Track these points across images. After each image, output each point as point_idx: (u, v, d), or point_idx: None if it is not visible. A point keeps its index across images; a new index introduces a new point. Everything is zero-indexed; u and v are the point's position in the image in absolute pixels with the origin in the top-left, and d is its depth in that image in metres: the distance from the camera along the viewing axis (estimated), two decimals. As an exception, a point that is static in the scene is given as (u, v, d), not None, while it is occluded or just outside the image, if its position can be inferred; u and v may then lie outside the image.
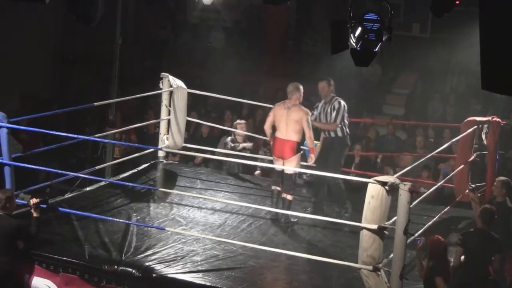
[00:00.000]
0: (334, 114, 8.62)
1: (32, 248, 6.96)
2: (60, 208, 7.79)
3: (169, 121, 9.62)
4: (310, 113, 8.41)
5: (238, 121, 10.95)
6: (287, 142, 8.27)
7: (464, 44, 13.37)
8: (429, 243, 6.62)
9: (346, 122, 8.71)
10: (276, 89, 15.03)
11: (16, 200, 7.26)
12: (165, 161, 10.12)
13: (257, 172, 10.85)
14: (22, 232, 6.79)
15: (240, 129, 10.61)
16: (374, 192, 6.26)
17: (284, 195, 8.42)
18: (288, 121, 8.29)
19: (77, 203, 8.34)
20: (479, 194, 8.65)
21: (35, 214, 6.86)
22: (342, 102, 8.66)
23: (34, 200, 6.87)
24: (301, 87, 8.45)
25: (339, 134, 8.70)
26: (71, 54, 15.19)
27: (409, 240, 6.45)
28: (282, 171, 8.41)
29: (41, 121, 9.74)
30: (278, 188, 8.55)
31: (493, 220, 7.47)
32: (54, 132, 8.02)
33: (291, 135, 8.27)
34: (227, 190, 9.53)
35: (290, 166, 8.26)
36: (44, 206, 7.14)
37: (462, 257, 7.24)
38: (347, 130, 8.75)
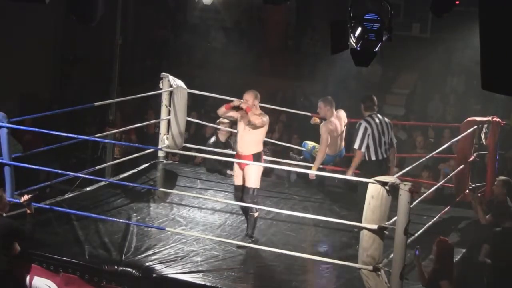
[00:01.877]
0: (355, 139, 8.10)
1: (27, 246, 6.94)
2: (60, 208, 7.79)
3: (169, 121, 9.61)
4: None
5: (221, 119, 10.62)
6: None
7: (464, 44, 13.39)
8: (436, 245, 6.57)
9: (370, 144, 8.07)
10: (276, 89, 15.08)
11: (14, 200, 7.27)
12: (165, 161, 10.11)
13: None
14: (16, 231, 6.74)
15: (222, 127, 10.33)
16: (374, 192, 6.26)
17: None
18: None
19: (77, 203, 8.34)
20: (479, 194, 8.66)
21: (29, 211, 6.83)
22: (363, 124, 8.10)
23: (25, 197, 6.84)
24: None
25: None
26: (71, 54, 15.19)
27: (409, 240, 6.45)
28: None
29: (41, 121, 9.74)
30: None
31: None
32: (54, 132, 8.01)
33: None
34: (227, 190, 9.51)
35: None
36: (39, 204, 7.10)
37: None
38: (372, 155, 8.10)
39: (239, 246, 7.47)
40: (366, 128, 8.07)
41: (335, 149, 8.61)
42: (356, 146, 8.09)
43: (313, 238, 8.13)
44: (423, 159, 8.27)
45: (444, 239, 6.65)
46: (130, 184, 8.94)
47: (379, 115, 8.25)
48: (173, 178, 9.61)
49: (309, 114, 10.25)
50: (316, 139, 8.90)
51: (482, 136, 9.29)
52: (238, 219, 8.44)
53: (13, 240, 6.80)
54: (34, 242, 7.00)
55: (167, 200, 8.79)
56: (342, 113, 8.84)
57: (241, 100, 7.68)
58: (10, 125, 7.51)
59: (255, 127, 7.61)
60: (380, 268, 6.30)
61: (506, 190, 8.36)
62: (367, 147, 8.06)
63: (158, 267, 6.95)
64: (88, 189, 8.89)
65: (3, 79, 13.01)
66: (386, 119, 8.29)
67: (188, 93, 9.81)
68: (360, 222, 6.31)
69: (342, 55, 7.41)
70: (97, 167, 9.43)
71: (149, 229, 7.78)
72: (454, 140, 9.44)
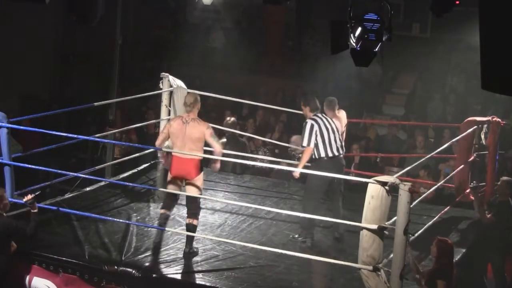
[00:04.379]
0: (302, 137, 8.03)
1: (29, 245, 6.94)
2: (60, 208, 7.79)
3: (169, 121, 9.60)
4: (210, 126, 7.47)
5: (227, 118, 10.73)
6: (190, 160, 7.33)
7: (464, 44, 13.38)
8: (435, 245, 6.56)
9: (319, 142, 7.93)
10: (276, 89, 15.09)
11: (15, 200, 7.27)
12: (165, 161, 10.09)
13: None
14: (15, 230, 6.72)
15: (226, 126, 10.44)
16: (374, 192, 6.26)
17: (189, 220, 7.38)
18: (187, 137, 7.31)
19: (77, 203, 8.34)
20: (480, 194, 8.65)
21: (33, 210, 6.83)
22: (309, 122, 7.96)
23: (28, 197, 6.83)
24: (199, 97, 7.63)
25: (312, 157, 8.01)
26: (71, 54, 15.18)
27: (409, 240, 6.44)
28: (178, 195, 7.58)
29: (41, 121, 9.72)
30: (168, 213, 7.52)
31: None
32: (54, 132, 8.01)
33: (194, 153, 7.36)
34: (227, 190, 9.53)
35: (196, 187, 7.37)
36: (39, 204, 7.09)
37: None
38: (321, 152, 7.93)
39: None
40: (312, 125, 7.94)
41: None
42: (304, 143, 7.96)
43: (313, 238, 8.12)
44: (423, 159, 8.26)
45: (443, 239, 6.63)
46: (130, 184, 8.94)
47: (324, 115, 8.14)
48: (173, 178, 9.60)
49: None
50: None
51: (482, 136, 9.29)
52: (238, 219, 8.44)
53: (12, 240, 6.80)
54: (34, 241, 7.00)
55: (167, 200, 8.78)
56: (342, 113, 8.83)
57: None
58: (10, 125, 7.51)
59: None
60: (380, 268, 6.30)
61: (509, 191, 8.37)
62: (316, 145, 7.91)
63: (158, 267, 6.95)
64: (88, 189, 8.90)
65: (3, 79, 13.01)
66: (331, 120, 8.15)
67: (188, 93, 9.80)
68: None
69: (342, 55, 7.41)
70: (97, 167, 9.42)
71: (149, 229, 7.78)
72: (454, 140, 9.45)
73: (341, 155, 8.11)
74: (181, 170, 7.36)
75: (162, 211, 7.52)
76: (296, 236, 7.94)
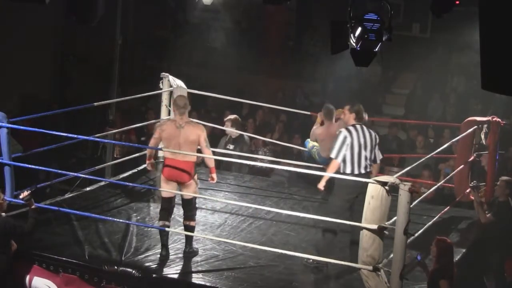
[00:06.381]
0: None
1: (28, 244, 6.93)
2: (60, 208, 7.79)
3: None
4: (204, 129, 7.35)
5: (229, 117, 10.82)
6: (184, 163, 7.19)
7: (464, 44, 13.39)
8: (435, 245, 6.56)
9: (347, 156, 7.31)
10: (276, 89, 15.10)
11: (14, 200, 7.27)
12: (165, 161, 10.09)
13: None
14: (13, 229, 6.71)
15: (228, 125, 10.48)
16: (374, 192, 6.26)
17: (187, 222, 7.33)
18: (182, 141, 7.17)
19: (77, 203, 8.34)
20: (480, 194, 8.66)
21: (30, 207, 6.81)
22: (343, 132, 7.37)
23: (25, 193, 6.82)
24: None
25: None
26: (71, 54, 15.19)
27: (409, 240, 6.44)
28: (174, 198, 7.38)
29: (41, 121, 9.72)
30: (168, 223, 7.30)
31: None
32: (54, 132, 8.01)
33: (188, 156, 7.18)
34: (227, 190, 9.53)
35: (189, 190, 7.25)
36: (40, 204, 7.10)
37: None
38: (347, 168, 7.32)
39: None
40: (345, 138, 7.31)
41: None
42: (332, 154, 7.36)
43: (313, 238, 8.12)
44: (423, 159, 8.25)
45: (442, 238, 6.63)
46: (130, 184, 8.94)
47: (364, 127, 7.45)
48: (173, 178, 9.59)
49: (309, 113, 10.25)
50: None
51: (482, 136, 9.29)
52: (238, 219, 8.44)
53: (11, 239, 6.80)
54: (34, 241, 6.99)
55: (167, 200, 8.77)
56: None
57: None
58: (10, 125, 7.51)
59: None
60: (380, 268, 6.30)
61: (509, 191, 8.37)
62: (344, 159, 7.31)
63: (158, 267, 6.95)
64: (88, 189, 8.90)
65: (3, 79, 13.01)
66: (373, 133, 7.49)
67: (188, 93, 9.81)
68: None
69: (342, 55, 7.40)
70: (97, 167, 9.42)
71: (149, 229, 7.78)
72: (454, 140, 9.45)
73: (369, 172, 7.41)
74: (175, 173, 7.21)
75: (161, 223, 7.32)
76: (310, 261, 7.30)
